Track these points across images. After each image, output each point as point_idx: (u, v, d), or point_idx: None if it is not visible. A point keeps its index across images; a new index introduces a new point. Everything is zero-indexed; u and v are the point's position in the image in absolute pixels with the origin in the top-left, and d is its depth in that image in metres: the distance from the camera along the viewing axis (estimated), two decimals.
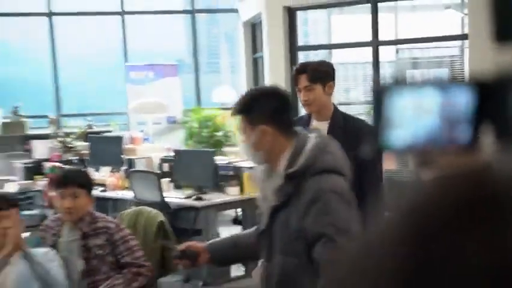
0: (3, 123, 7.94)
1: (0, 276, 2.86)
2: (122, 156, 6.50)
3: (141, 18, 10.18)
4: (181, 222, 5.54)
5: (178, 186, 5.90)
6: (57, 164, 6.57)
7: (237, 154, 6.72)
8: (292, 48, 7.37)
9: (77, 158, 7.13)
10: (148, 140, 7.64)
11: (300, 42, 7.69)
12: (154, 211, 3.82)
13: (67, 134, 7.63)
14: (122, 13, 9.19)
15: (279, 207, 2.08)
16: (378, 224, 0.41)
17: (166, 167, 6.19)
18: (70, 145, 7.40)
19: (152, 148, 7.04)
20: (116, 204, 5.84)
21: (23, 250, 2.95)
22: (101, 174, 6.54)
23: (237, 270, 5.32)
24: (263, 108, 2.15)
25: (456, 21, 8.34)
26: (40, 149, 7.52)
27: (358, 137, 2.88)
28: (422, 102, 0.48)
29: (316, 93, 3.16)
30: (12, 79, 10.93)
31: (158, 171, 5.99)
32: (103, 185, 6.23)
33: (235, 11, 8.99)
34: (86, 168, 6.33)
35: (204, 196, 5.59)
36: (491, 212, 0.36)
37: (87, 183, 3.27)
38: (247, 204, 5.24)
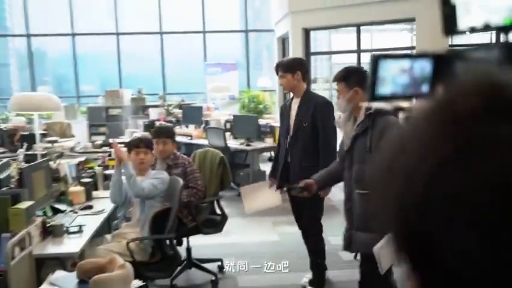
0: (132, 98, 9.49)
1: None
2: (202, 118, 7.12)
3: (214, 36, 11.43)
4: (236, 159, 6.18)
5: (235, 137, 6.34)
6: (163, 122, 6.66)
7: (271, 118, 7.57)
8: (307, 53, 8.10)
9: (175, 119, 7.83)
10: (218, 109, 8.38)
11: (312, 50, 8.36)
12: (216, 151, 3.86)
13: (169, 105, 8.70)
14: (203, 32, 11.14)
15: (359, 135, 2.32)
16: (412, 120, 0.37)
17: (228, 125, 6.68)
18: (171, 111, 8.35)
19: (220, 114, 7.64)
20: (198, 148, 5.21)
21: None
22: (189, 129, 7.16)
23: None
24: (357, 77, 2.37)
25: (408, 38, 8.86)
26: (153, 114, 8.44)
27: (316, 105, 3.18)
28: (400, 67, 0.52)
29: (286, 80, 3.25)
30: (137, 73, 12.22)
31: (223, 128, 6.41)
32: (190, 135, 6.76)
33: (272, 30, 10.05)
34: (180, 125, 7.23)
35: (251, 143, 6.00)
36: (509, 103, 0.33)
37: (172, 135, 3.40)
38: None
